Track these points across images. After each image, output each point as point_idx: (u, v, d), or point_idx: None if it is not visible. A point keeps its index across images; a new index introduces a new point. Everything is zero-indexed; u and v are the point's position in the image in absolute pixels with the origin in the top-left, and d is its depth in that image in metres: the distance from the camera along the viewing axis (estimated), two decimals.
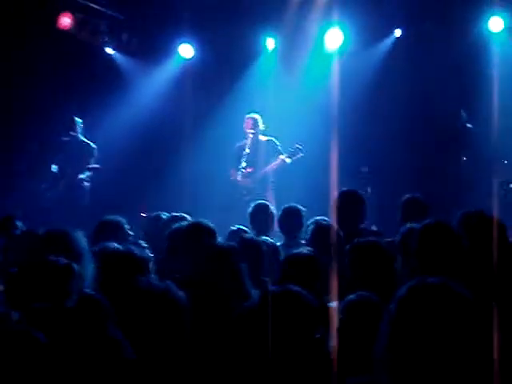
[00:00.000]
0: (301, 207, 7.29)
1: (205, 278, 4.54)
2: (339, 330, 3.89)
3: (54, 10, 11.52)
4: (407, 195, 7.47)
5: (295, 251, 5.06)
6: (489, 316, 3.32)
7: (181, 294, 3.45)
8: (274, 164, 11.42)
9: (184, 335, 3.36)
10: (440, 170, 11.99)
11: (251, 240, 5.70)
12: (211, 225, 5.91)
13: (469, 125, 12.09)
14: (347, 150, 12.04)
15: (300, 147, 11.37)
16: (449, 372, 2.58)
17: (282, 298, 3.12)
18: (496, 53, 11.58)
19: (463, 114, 12.19)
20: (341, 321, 3.94)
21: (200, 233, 5.55)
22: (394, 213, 7.69)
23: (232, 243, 5.14)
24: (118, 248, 4.77)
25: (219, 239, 6.90)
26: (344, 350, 3.65)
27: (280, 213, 7.32)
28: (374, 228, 10.59)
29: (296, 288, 3.18)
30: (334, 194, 9.02)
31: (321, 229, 5.93)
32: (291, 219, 7.09)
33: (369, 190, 12.13)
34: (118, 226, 6.73)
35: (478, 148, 11.81)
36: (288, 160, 11.37)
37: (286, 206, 7.36)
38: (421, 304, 2.65)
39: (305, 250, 5.10)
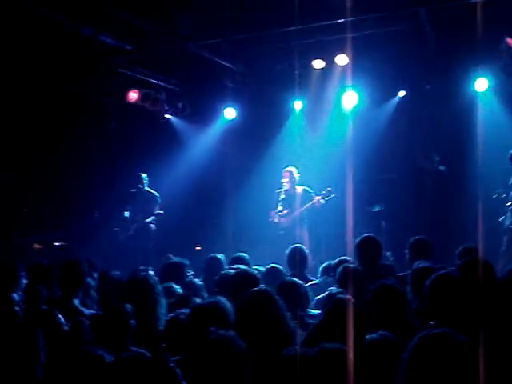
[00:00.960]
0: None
1: (252, 319, 4.40)
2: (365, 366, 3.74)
3: (124, 86, 11.70)
4: (415, 237, 7.38)
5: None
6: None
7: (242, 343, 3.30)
8: (309, 204, 11.42)
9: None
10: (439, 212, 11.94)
11: (291, 281, 5.68)
12: (255, 273, 5.88)
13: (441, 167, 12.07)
14: (363, 189, 12.11)
15: (331, 190, 11.37)
16: None
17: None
18: (482, 109, 11.52)
19: (436, 157, 12.19)
20: (364, 356, 3.76)
21: (245, 281, 5.51)
22: (403, 239, 7.67)
23: (267, 287, 5.04)
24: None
25: (262, 269, 6.97)
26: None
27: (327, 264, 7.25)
28: (388, 254, 10.60)
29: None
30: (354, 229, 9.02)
31: (347, 271, 5.83)
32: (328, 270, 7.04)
33: (383, 223, 12.12)
34: (180, 267, 6.78)
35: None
36: (322, 201, 11.39)
37: (330, 261, 7.23)
38: (429, 353, 2.67)
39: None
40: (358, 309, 4.20)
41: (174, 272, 6.66)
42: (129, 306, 4.70)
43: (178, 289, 6.01)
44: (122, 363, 3.38)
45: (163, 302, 5.12)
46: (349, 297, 4.42)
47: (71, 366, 3.58)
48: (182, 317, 4.47)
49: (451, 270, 5.05)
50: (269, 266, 6.90)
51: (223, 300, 4.43)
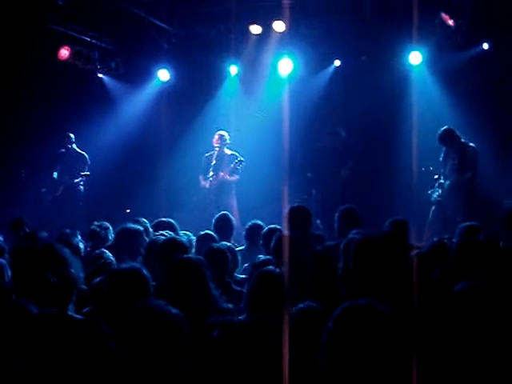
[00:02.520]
0: (261, 223, 7.33)
1: (177, 287, 4.49)
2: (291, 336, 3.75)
3: (55, 43, 11.38)
4: (344, 206, 7.47)
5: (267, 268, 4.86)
6: (409, 328, 3.40)
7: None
8: (223, 173, 11.49)
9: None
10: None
11: (218, 249, 5.73)
12: (184, 241, 5.90)
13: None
14: (296, 159, 12.21)
15: (241, 159, 11.47)
16: (374, 379, 2.62)
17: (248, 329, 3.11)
18: (415, 83, 11.73)
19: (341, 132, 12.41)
20: (291, 328, 3.76)
21: (173, 249, 5.51)
22: (332, 208, 7.78)
23: (199, 256, 5.10)
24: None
25: (190, 234, 7.00)
26: (295, 355, 3.57)
27: (246, 228, 7.39)
28: (318, 222, 10.74)
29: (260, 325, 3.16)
30: (285, 196, 9.13)
31: (281, 240, 5.81)
32: (254, 232, 7.13)
33: (313, 191, 12.24)
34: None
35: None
36: (229, 178, 11.49)
37: (254, 221, 7.44)
38: (351, 323, 2.70)
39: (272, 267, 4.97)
40: (283, 280, 4.25)
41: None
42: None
43: (110, 256, 5.98)
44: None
45: (75, 262, 5.04)
46: (274, 269, 4.49)
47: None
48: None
49: (376, 236, 5.13)
50: (202, 232, 6.95)
51: (139, 267, 4.41)
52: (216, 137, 11.69)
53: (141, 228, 6.59)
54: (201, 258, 4.95)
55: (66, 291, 4.36)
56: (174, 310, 3.15)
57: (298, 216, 6.59)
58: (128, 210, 11.99)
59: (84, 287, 4.96)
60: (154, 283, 4.34)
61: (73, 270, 4.50)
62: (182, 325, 3.13)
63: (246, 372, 2.98)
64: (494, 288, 3.68)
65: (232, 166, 11.45)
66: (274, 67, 12.68)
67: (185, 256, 4.97)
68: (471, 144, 10.47)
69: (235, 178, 11.55)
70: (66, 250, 4.79)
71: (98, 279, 4.77)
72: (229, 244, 6.23)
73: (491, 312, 3.46)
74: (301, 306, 3.96)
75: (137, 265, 4.45)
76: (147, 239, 6.38)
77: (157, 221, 7.39)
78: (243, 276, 6.03)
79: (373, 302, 2.80)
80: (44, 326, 3.31)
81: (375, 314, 2.73)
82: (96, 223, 6.85)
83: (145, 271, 4.23)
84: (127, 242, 6.37)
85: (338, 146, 12.38)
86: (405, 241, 5.71)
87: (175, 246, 5.57)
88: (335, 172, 12.14)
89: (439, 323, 3.74)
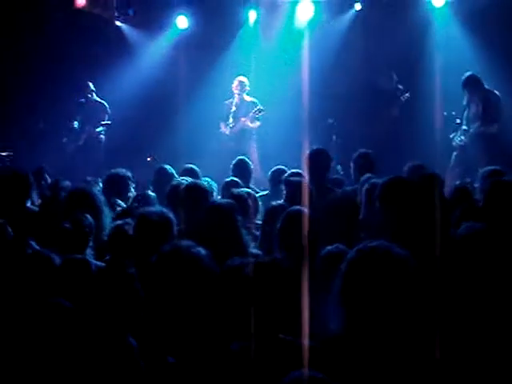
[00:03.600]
0: (285, 168, 7.25)
1: (206, 232, 4.46)
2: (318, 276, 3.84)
3: None
4: (359, 150, 7.46)
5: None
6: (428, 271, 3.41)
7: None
8: (243, 120, 11.45)
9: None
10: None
11: (239, 194, 5.74)
12: (207, 186, 5.91)
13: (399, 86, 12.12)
14: (316, 105, 12.12)
15: (261, 108, 11.39)
16: (386, 322, 2.66)
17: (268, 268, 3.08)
18: (438, 25, 11.53)
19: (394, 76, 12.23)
20: (319, 269, 3.90)
21: (196, 193, 5.52)
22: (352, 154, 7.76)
23: (230, 200, 5.09)
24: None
25: (210, 180, 7.04)
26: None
27: (270, 172, 7.33)
28: (338, 167, 10.72)
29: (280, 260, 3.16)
30: (306, 143, 9.08)
31: (294, 185, 5.82)
32: (277, 177, 7.08)
33: (334, 137, 12.20)
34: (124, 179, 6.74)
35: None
36: (249, 123, 11.42)
37: (275, 167, 7.37)
38: (366, 264, 2.71)
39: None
40: (310, 221, 4.27)
41: (118, 184, 6.64)
42: (90, 217, 4.72)
43: (122, 204, 6.03)
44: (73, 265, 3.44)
45: (107, 212, 5.13)
46: (301, 208, 4.51)
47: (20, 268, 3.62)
48: (126, 227, 4.50)
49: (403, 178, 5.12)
50: (228, 179, 6.94)
51: (167, 211, 4.44)
52: (235, 83, 11.64)
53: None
54: (232, 201, 4.94)
55: (82, 237, 4.44)
56: (203, 250, 3.20)
57: (317, 159, 6.59)
58: (149, 158, 12.02)
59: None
60: (181, 227, 4.38)
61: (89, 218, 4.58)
62: (211, 264, 3.18)
63: (276, 306, 3.01)
64: (498, 232, 3.66)
65: (251, 114, 11.42)
66: (294, 12, 12.51)
67: (215, 200, 4.97)
68: (496, 92, 10.34)
69: (256, 124, 11.53)
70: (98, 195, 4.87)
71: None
72: (248, 190, 6.21)
73: (493, 256, 3.44)
74: (329, 248, 4.00)
75: (164, 209, 4.48)
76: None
77: (184, 167, 7.39)
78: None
79: (388, 243, 2.81)
80: (68, 274, 3.38)
81: (390, 255, 2.73)
82: (115, 170, 6.87)
83: (171, 215, 4.28)
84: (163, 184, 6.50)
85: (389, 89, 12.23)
86: (433, 184, 5.67)
87: (198, 189, 5.58)
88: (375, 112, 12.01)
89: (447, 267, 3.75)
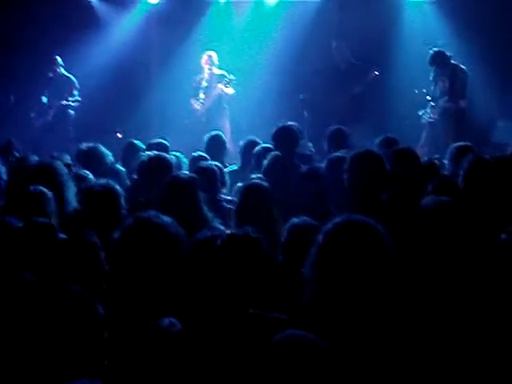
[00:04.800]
0: (258, 140, 7.27)
1: (165, 205, 4.39)
2: (285, 247, 3.93)
3: None
4: (333, 127, 7.48)
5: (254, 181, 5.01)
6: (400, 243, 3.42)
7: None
8: (215, 92, 11.39)
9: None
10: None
11: (206, 167, 5.73)
12: (170, 159, 5.89)
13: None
14: (288, 81, 12.09)
15: (231, 77, 11.35)
16: (360, 292, 2.69)
17: (242, 242, 3.07)
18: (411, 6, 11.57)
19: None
20: (286, 241, 3.95)
21: (159, 166, 5.52)
22: (323, 131, 7.75)
23: (192, 174, 5.09)
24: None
25: (180, 155, 7.01)
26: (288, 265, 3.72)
27: (241, 145, 7.33)
28: (309, 144, 10.71)
29: (254, 234, 3.12)
30: (278, 119, 9.02)
31: (275, 160, 5.88)
32: (248, 149, 7.07)
33: (305, 113, 12.17)
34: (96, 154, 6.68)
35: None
36: (225, 89, 11.36)
37: (249, 138, 7.40)
38: (342, 238, 2.74)
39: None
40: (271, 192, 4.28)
41: (90, 158, 6.58)
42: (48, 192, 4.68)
43: (90, 175, 5.98)
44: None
45: (71, 186, 5.08)
46: (261, 182, 4.51)
47: None
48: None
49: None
50: (195, 154, 6.91)
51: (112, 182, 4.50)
52: (204, 57, 11.58)
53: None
54: (194, 175, 4.93)
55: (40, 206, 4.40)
56: (166, 218, 3.17)
57: (285, 134, 6.58)
58: (119, 135, 11.90)
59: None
60: (141, 199, 4.36)
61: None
62: (178, 230, 3.14)
63: (248, 279, 2.99)
64: (462, 205, 3.68)
65: (224, 82, 11.35)
66: None
67: (176, 174, 4.97)
68: (462, 66, 10.41)
69: (230, 90, 11.43)
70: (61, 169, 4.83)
71: None
72: (216, 163, 6.18)
73: (457, 229, 3.45)
74: (295, 220, 4.00)
75: (110, 181, 4.48)
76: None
77: (149, 142, 7.35)
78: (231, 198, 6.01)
79: (364, 217, 2.83)
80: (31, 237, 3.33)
81: (367, 229, 2.77)
82: (85, 145, 6.79)
83: (117, 186, 4.27)
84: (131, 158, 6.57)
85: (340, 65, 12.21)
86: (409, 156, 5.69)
87: (160, 162, 5.57)
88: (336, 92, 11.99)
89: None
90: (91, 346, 2.78)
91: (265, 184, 4.53)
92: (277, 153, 6.11)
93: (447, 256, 3.33)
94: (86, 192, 4.42)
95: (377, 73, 11.74)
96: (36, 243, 3.52)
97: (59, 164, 5.25)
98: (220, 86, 11.38)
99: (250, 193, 4.44)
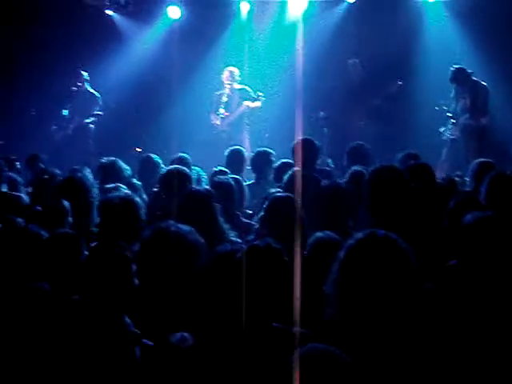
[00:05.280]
0: (270, 150, 7.26)
1: (182, 218, 4.44)
2: (308, 261, 3.80)
3: None
4: (353, 143, 7.46)
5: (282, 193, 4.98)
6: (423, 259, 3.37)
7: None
8: (240, 109, 11.38)
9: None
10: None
11: (223, 181, 5.73)
12: (186, 170, 5.92)
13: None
14: (309, 97, 12.08)
15: (260, 94, 11.32)
16: (382, 309, 2.65)
17: (264, 253, 3.01)
18: (430, 19, 11.52)
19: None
20: (309, 255, 3.88)
21: (178, 179, 5.55)
22: (342, 148, 7.73)
23: (208, 188, 5.14)
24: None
25: (200, 170, 7.02)
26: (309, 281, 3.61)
27: (252, 156, 7.31)
28: (329, 161, 10.70)
29: (277, 246, 3.07)
30: (298, 134, 9.04)
31: (295, 176, 5.79)
32: (261, 160, 7.10)
33: (325, 130, 12.18)
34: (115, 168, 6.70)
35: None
36: (251, 104, 11.33)
37: (259, 149, 7.37)
38: (365, 254, 2.71)
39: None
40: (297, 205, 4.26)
41: (109, 172, 6.60)
42: (66, 203, 4.71)
43: (125, 189, 5.99)
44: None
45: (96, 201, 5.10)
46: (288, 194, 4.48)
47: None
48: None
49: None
50: (216, 169, 6.93)
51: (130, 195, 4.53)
52: (226, 73, 11.59)
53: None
54: (210, 189, 4.96)
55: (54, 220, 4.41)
56: (184, 227, 3.15)
57: (304, 148, 6.55)
58: (139, 150, 11.96)
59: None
60: (158, 213, 4.36)
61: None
62: (196, 238, 3.13)
63: (270, 292, 2.95)
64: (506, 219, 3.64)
65: (254, 96, 11.35)
66: (286, 3, 12.46)
67: (193, 187, 4.99)
68: (483, 83, 10.36)
69: (257, 104, 11.41)
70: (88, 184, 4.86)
71: None
72: (235, 176, 6.18)
73: (503, 244, 3.41)
74: (319, 234, 3.97)
75: (128, 193, 4.49)
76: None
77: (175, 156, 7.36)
78: (250, 212, 6.00)
79: (387, 232, 2.80)
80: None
81: (391, 246, 2.73)
82: (105, 159, 6.83)
83: (137, 199, 4.28)
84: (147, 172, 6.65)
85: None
86: (424, 172, 5.64)
87: (178, 175, 5.62)
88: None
89: (451, 254, 3.73)
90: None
91: (292, 196, 4.52)
92: (297, 168, 6.08)
93: (493, 270, 3.29)
94: (106, 204, 4.41)
95: (400, 83, 11.74)
96: (61, 254, 3.52)
97: (85, 176, 5.29)
98: (247, 102, 11.34)
99: (278, 203, 4.41)
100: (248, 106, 11.38)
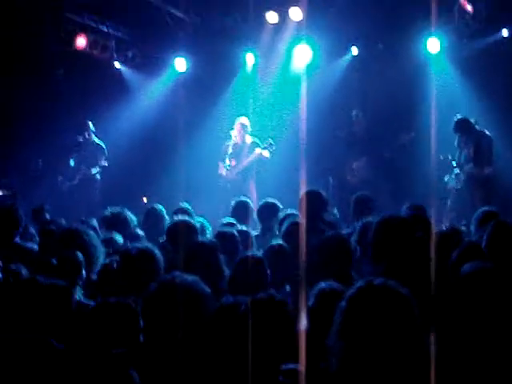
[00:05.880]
0: (276, 202, 7.29)
1: (187, 269, 4.47)
2: (311, 313, 3.80)
3: (72, 32, 11.39)
4: (358, 193, 7.49)
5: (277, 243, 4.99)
6: (426, 308, 3.36)
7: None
8: (252, 157, 11.44)
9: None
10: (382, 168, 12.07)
11: (228, 233, 5.73)
12: (192, 222, 5.94)
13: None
14: (313, 147, 12.16)
15: (271, 142, 11.39)
16: (386, 359, 2.60)
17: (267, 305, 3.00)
18: (434, 71, 11.63)
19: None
20: (313, 305, 3.84)
21: (182, 230, 5.58)
22: (348, 197, 7.77)
23: (213, 239, 5.17)
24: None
25: (204, 220, 7.02)
26: (314, 332, 3.54)
27: (258, 208, 7.31)
28: (335, 211, 10.71)
29: (281, 298, 3.07)
30: (303, 186, 9.09)
31: (293, 226, 5.87)
32: (267, 212, 7.09)
33: (330, 179, 12.23)
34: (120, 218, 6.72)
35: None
36: (263, 153, 11.39)
37: (265, 200, 7.38)
38: (367, 302, 2.68)
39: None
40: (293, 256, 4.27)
41: (115, 223, 6.62)
42: (80, 255, 4.71)
43: (120, 239, 6.00)
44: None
45: (100, 251, 5.11)
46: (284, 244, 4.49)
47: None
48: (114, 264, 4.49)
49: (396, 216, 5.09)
50: (224, 221, 6.93)
51: (151, 246, 4.46)
52: (238, 125, 11.58)
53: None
54: (215, 241, 4.97)
55: (70, 274, 4.40)
56: (190, 277, 3.16)
57: (311, 199, 6.57)
58: (145, 200, 12.02)
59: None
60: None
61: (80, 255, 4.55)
62: (202, 287, 3.12)
63: (275, 345, 2.93)
64: (505, 271, 3.63)
65: (266, 144, 11.39)
66: (291, 55, 12.63)
67: (200, 239, 5.01)
68: (487, 133, 10.42)
69: (266, 153, 11.44)
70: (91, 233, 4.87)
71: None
72: (242, 228, 6.18)
73: (501, 294, 3.39)
74: (322, 284, 3.94)
75: (149, 245, 4.49)
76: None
77: (177, 207, 7.40)
78: None
79: (389, 281, 2.77)
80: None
81: (392, 293, 2.70)
82: (110, 209, 6.85)
83: (157, 251, 4.27)
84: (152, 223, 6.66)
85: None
86: (425, 222, 5.64)
87: (185, 227, 5.63)
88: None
89: (451, 305, 3.70)
90: None
91: (287, 246, 4.53)
92: (295, 219, 6.09)
93: (491, 321, 3.27)
94: (126, 255, 4.38)
95: (412, 134, 11.82)
96: (50, 305, 3.49)
97: (89, 229, 5.31)
98: (258, 150, 11.39)
99: (275, 253, 4.44)
100: (260, 154, 11.38)
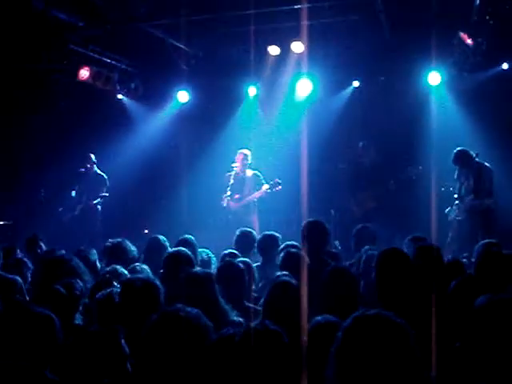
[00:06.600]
0: (277, 234, 7.27)
1: (183, 300, 4.44)
2: (307, 348, 3.72)
3: (75, 64, 11.48)
4: (360, 225, 7.50)
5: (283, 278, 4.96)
6: (424, 338, 3.33)
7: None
8: (258, 193, 11.42)
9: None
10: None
11: (231, 264, 5.71)
12: (188, 253, 5.92)
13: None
14: (315, 179, 12.17)
15: (279, 181, 11.41)
16: None
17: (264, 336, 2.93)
18: (434, 104, 11.70)
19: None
20: (308, 341, 3.77)
21: (178, 261, 5.58)
22: (350, 228, 7.76)
23: (207, 270, 5.15)
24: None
25: (208, 251, 7.01)
26: (311, 366, 3.48)
27: (258, 240, 7.29)
28: (336, 242, 10.70)
29: (276, 328, 3.00)
30: (305, 217, 9.09)
31: (290, 256, 5.86)
32: (268, 244, 7.08)
33: (332, 211, 12.22)
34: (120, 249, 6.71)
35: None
36: (268, 190, 11.40)
37: (265, 232, 7.37)
38: (361, 334, 2.64)
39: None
40: (299, 290, 4.23)
41: (115, 254, 6.61)
42: (81, 284, 4.72)
43: (125, 272, 5.98)
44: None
45: (87, 279, 5.11)
46: (290, 279, 4.47)
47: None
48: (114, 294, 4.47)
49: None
50: (226, 251, 6.87)
51: (152, 277, 4.48)
52: (239, 156, 11.60)
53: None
54: (209, 272, 4.97)
55: (73, 302, 4.39)
56: (192, 310, 3.14)
57: (313, 230, 6.56)
58: (146, 231, 12.02)
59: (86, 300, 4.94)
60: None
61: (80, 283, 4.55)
62: (205, 322, 3.11)
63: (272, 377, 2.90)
64: None
65: (272, 183, 11.39)
66: (293, 88, 12.71)
67: (193, 270, 5.00)
68: (487, 164, 10.42)
69: (265, 187, 11.41)
70: (77, 261, 4.85)
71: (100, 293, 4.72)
72: (245, 259, 6.16)
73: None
74: (318, 318, 3.92)
75: (150, 276, 4.47)
76: None
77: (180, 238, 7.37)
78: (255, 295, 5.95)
79: (384, 311, 2.75)
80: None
81: (387, 324, 2.68)
82: (111, 240, 6.84)
83: (157, 282, 4.25)
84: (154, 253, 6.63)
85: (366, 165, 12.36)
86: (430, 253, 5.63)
87: (179, 257, 5.64)
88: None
89: (461, 337, 3.67)
90: None
91: (294, 281, 4.51)
92: (293, 250, 6.08)
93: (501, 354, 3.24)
94: (127, 286, 4.36)
95: (420, 167, 11.84)
96: (36, 335, 3.45)
97: (74, 258, 5.32)
98: (265, 186, 11.37)
99: (279, 288, 4.41)
100: (268, 190, 11.39)
